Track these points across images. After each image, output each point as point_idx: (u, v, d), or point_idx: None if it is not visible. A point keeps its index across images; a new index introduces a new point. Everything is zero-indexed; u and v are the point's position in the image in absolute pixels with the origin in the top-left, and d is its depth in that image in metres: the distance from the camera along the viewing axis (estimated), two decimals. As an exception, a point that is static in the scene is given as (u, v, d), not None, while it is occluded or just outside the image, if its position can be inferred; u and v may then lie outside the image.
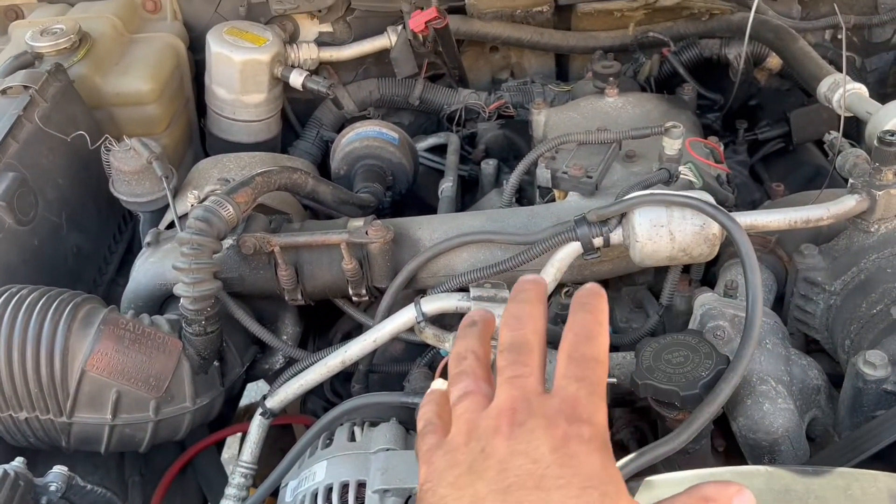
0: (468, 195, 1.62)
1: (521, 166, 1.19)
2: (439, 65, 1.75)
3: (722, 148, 1.31)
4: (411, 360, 1.16)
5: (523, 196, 1.43)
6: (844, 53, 1.19)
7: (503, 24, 1.67)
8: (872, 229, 0.97)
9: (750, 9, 1.47)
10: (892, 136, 0.93)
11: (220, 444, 1.39)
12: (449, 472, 0.49)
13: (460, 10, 1.67)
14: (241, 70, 1.51)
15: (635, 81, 1.67)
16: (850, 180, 0.98)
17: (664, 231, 0.93)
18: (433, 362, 1.13)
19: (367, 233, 1.04)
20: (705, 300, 0.97)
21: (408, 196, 1.53)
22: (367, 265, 1.07)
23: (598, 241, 0.96)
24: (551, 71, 1.87)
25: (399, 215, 1.53)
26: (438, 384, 0.60)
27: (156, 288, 1.12)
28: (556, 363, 0.51)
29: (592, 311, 0.52)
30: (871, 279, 0.95)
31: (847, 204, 0.95)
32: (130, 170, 1.23)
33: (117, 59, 1.48)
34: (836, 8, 1.53)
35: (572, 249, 0.98)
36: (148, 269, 1.14)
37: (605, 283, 1.17)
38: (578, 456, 0.46)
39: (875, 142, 0.94)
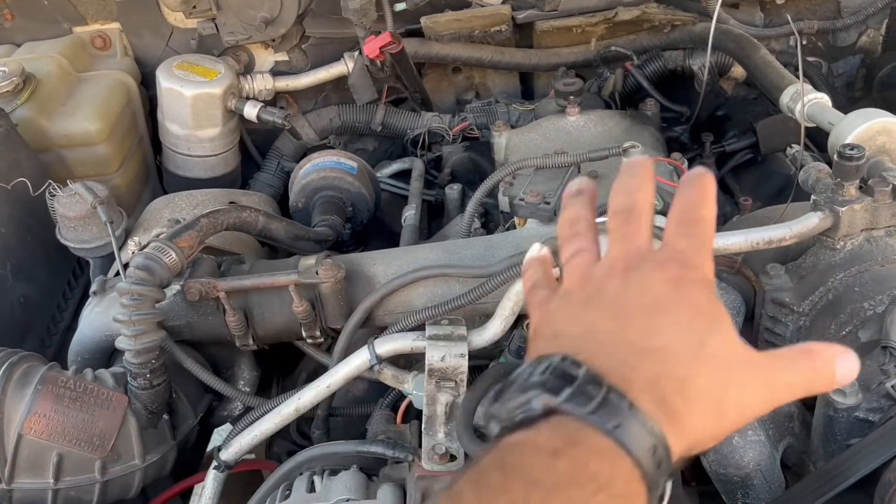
0: (435, 221, 1.59)
1: (479, 193, 1.16)
2: (401, 89, 1.72)
3: (686, 164, 1.27)
4: (374, 401, 1.12)
5: (490, 220, 1.39)
6: (801, 63, 1.16)
7: (462, 45, 1.64)
8: (838, 246, 0.94)
9: (711, 18, 1.45)
10: (852, 150, 0.90)
11: (187, 493, 1.34)
12: (563, 311, 0.51)
13: (418, 33, 1.64)
14: (192, 105, 1.47)
15: (599, 97, 1.65)
16: (813, 196, 0.94)
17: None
18: (396, 403, 1.08)
19: (317, 272, 1.00)
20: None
21: (372, 224, 1.49)
22: (320, 305, 1.03)
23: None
24: (516, 89, 1.84)
25: (363, 245, 1.49)
26: (536, 250, 0.61)
27: (102, 340, 1.07)
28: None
29: (698, 185, 0.52)
30: (838, 299, 0.92)
31: (810, 222, 0.91)
32: (76, 215, 1.19)
33: (64, 99, 1.44)
34: (790, 19, 1.50)
35: (529, 282, 0.93)
36: (94, 320, 1.09)
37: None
38: (690, 290, 0.47)
39: (835, 156, 0.91)
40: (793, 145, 1.04)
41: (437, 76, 1.81)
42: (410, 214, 1.41)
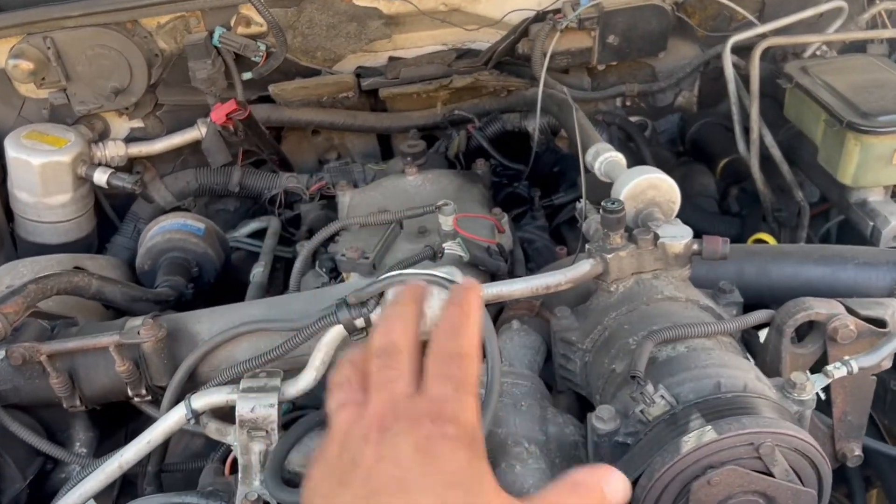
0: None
1: (305, 251, 1.23)
2: (259, 150, 1.80)
3: (505, 219, 1.39)
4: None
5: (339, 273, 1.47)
6: (577, 124, 1.30)
7: (314, 109, 1.74)
8: (612, 289, 1.05)
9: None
10: (613, 204, 1.02)
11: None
12: (322, 485, 0.49)
13: (272, 99, 1.72)
14: (40, 173, 1.51)
15: (446, 157, 1.77)
16: (587, 245, 1.06)
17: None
18: (227, 455, 1.13)
19: (139, 332, 1.05)
20: (466, 370, 1.02)
21: (222, 283, 1.54)
22: (144, 365, 1.07)
23: (359, 322, 1.00)
24: (375, 150, 1.95)
25: (215, 303, 1.54)
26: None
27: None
28: None
29: (460, 303, 0.52)
30: (612, 336, 1.03)
31: (582, 269, 1.03)
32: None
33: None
34: (561, 91, 1.66)
35: (337, 333, 1.01)
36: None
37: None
38: (442, 455, 0.45)
39: (602, 211, 1.03)
40: (579, 199, 1.16)
41: (297, 138, 1.90)
42: (258, 272, 1.48)
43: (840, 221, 1.55)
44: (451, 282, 0.96)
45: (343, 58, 1.74)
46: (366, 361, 0.53)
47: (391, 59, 1.83)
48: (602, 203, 1.03)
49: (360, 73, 1.74)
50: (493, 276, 1.25)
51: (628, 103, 1.85)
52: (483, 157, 1.69)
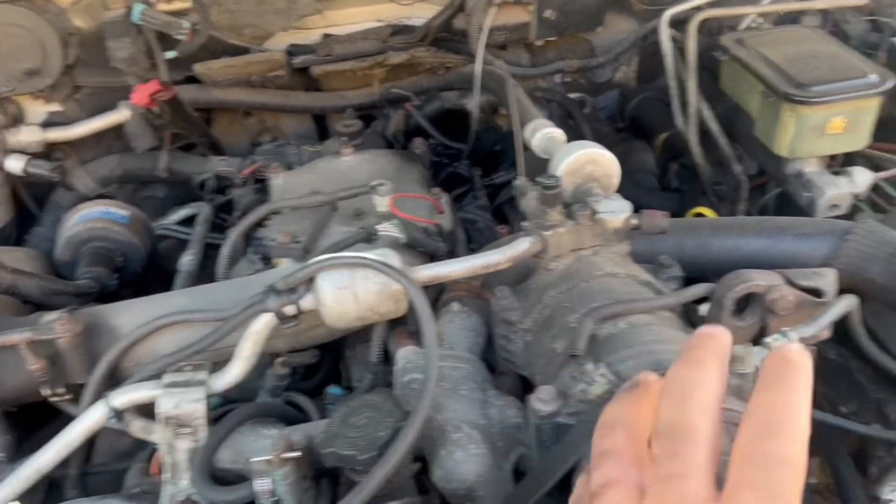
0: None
1: (232, 237, 1.17)
2: (188, 133, 1.72)
3: (444, 199, 1.36)
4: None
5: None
6: (516, 103, 1.27)
7: (244, 89, 1.67)
8: (551, 267, 1.03)
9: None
10: (550, 180, 0.99)
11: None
12: None
13: (198, 79, 1.65)
14: (-53, 161, 1.41)
15: (382, 137, 1.72)
16: (523, 223, 1.03)
17: (348, 293, 0.94)
18: (153, 454, 1.07)
19: (52, 328, 0.98)
20: (404, 354, 0.98)
21: (153, 273, 1.47)
22: (61, 362, 1.00)
23: (289, 310, 0.96)
24: (311, 131, 1.89)
25: (142, 295, 1.47)
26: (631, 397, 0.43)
27: None
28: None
29: (784, 388, 0.38)
30: (552, 315, 1.00)
31: (521, 246, 1.00)
32: None
33: None
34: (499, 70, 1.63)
35: (266, 321, 0.96)
36: None
37: (340, 341, 1.18)
38: None
39: (539, 187, 1.00)
40: (518, 177, 1.13)
41: (228, 120, 1.82)
42: (187, 261, 1.41)
43: (778, 193, 1.56)
44: (386, 265, 0.92)
45: (273, 35, 1.67)
46: (643, 429, 0.41)
47: (325, 36, 1.77)
48: (538, 179, 1.00)
49: (292, 50, 1.68)
50: (431, 258, 1.21)
51: (567, 79, 1.83)
52: (422, 137, 1.65)
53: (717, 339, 0.42)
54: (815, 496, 1.32)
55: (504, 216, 1.69)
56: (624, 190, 1.74)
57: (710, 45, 1.52)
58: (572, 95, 1.84)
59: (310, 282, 0.97)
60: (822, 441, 1.24)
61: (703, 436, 0.39)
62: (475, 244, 1.46)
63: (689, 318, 1.10)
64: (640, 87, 1.83)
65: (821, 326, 0.95)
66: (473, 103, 1.66)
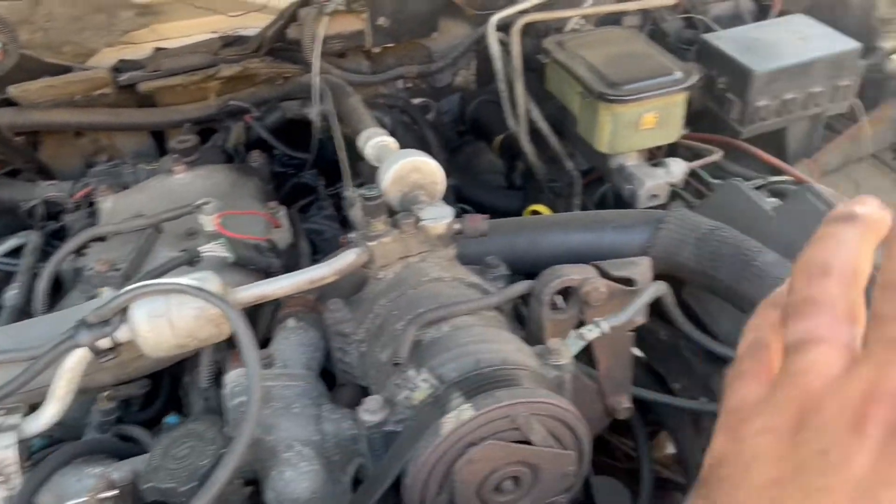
0: (56, 294, 1.50)
1: (48, 269, 1.12)
2: (10, 159, 1.62)
3: (282, 213, 1.34)
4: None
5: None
6: (351, 110, 1.27)
7: (67, 110, 1.58)
8: (380, 276, 1.04)
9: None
10: (371, 191, 1.00)
11: None
12: (760, 471, 0.31)
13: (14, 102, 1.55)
14: None
15: (223, 152, 1.68)
16: (349, 235, 1.04)
17: (164, 321, 0.91)
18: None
19: None
20: (233, 377, 0.97)
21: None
22: None
23: (104, 343, 0.92)
24: (151, 148, 1.81)
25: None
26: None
27: None
28: None
29: None
30: (383, 324, 1.01)
31: (347, 259, 1.00)
32: None
33: None
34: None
35: (79, 357, 0.92)
36: None
37: (178, 367, 1.14)
38: None
39: (361, 199, 1.01)
40: (350, 188, 1.14)
41: (57, 142, 1.72)
42: (12, 295, 1.32)
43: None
44: (200, 290, 0.90)
45: (97, 52, 1.60)
46: (862, 276, 0.34)
47: (157, 50, 1.72)
48: (359, 192, 1.01)
49: (120, 67, 1.61)
50: (267, 275, 1.20)
51: (409, 85, 1.85)
52: (260, 149, 1.62)
53: (880, 212, 0.34)
54: (660, 468, 1.41)
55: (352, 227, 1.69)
56: (471, 191, 1.80)
57: (536, 48, 1.58)
58: (416, 101, 1.86)
59: (124, 312, 0.93)
60: (662, 418, 1.32)
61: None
62: (321, 255, 1.45)
63: (521, 316, 1.14)
64: (479, 90, 1.88)
65: (631, 313, 1.01)
66: (314, 112, 1.65)
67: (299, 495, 0.89)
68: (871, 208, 0.35)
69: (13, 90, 1.49)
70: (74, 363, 0.92)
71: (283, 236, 1.28)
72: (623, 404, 1.13)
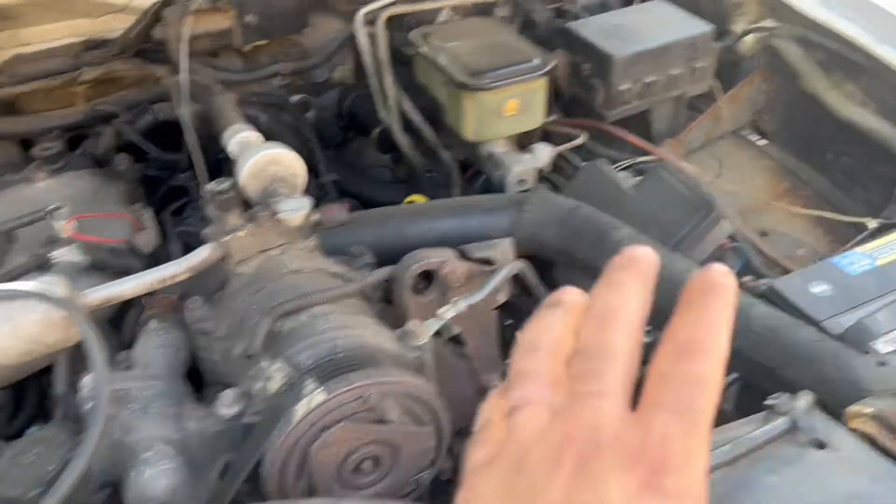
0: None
1: None
2: None
3: (147, 215, 1.32)
4: None
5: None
6: (185, 104, 1.26)
7: (-79, 122, 1.51)
8: (239, 271, 1.04)
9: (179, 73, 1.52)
10: (221, 185, 1.00)
11: None
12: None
13: None
14: None
15: (93, 158, 1.63)
16: (204, 230, 1.03)
17: (7, 327, 0.89)
18: None
19: None
20: (86, 381, 0.95)
21: None
22: None
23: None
24: (18, 158, 1.74)
25: None
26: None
27: None
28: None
29: (705, 308, 0.38)
30: (243, 319, 1.01)
31: (200, 255, 1.00)
32: None
33: None
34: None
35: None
36: None
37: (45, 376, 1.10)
38: None
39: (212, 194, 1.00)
40: (202, 185, 1.12)
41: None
42: None
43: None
44: (42, 294, 0.88)
45: (-50, 60, 1.53)
46: (564, 350, 0.40)
47: (17, 56, 1.65)
48: (208, 186, 1.00)
49: (-29, 75, 1.54)
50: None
51: (286, 82, 1.83)
52: (133, 153, 1.58)
53: (640, 259, 0.41)
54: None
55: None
56: (357, 185, 1.80)
57: (404, 41, 1.60)
58: (295, 98, 1.85)
59: (-36, 323, 0.90)
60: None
61: (621, 357, 0.38)
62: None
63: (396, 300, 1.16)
64: (357, 84, 1.88)
65: (488, 291, 1.04)
66: (183, 113, 1.63)
67: (158, 493, 0.88)
68: (572, 296, 0.42)
69: None
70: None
71: (148, 239, 1.25)
72: (493, 381, 1.16)
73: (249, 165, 1.11)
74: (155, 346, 1.06)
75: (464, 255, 1.09)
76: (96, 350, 0.85)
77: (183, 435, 0.94)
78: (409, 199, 1.54)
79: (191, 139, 1.23)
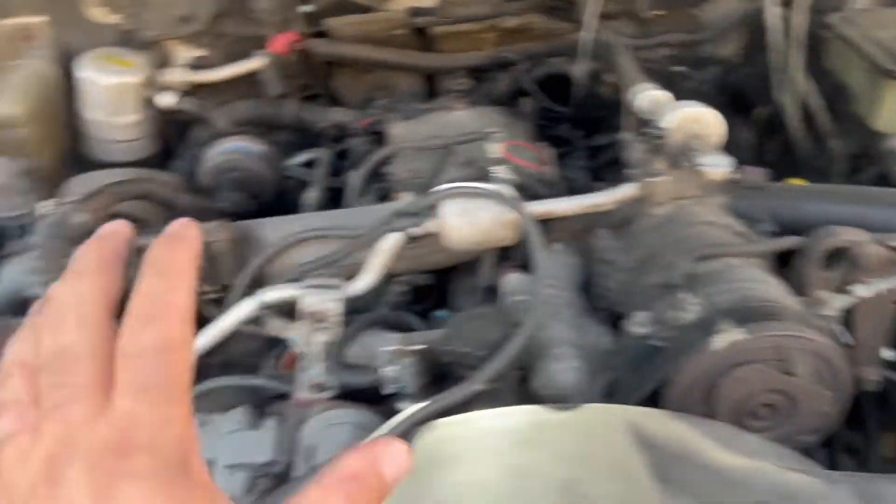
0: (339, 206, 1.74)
1: (363, 171, 1.31)
2: (312, 85, 1.87)
3: (549, 153, 1.46)
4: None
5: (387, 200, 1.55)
6: (623, 67, 1.35)
7: (367, 46, 1.80)
8: (652, 212, 1.12)
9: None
10: (658, 130, 1.08)
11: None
12: None
13: (326, 35, 1.79)
14: (107, 93, 1.60)
15: (489, 98, 1.83)
16: (629, 171, 1.13)
17: (467, 219, 1.06)
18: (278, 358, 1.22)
19: (211, 232, 1.14)
20: (511, 278, 1.10)
21: (279, 207, 1.63)
22: (215, 264, 1.16)
23: (415, 231, 1.09)
24: (421, 91, 2.01)
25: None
26: None
27: (13, 294, 1.19)
28: None
29: (162, 271, 0.38)
30: (651, 257, 1.10)
31: (626, 191, 1.10)
32: (-4, 185, 1.30)
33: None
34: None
35: (395, 239, 1.09)
36: (10, 277, 1.21)
37: (448, 274, 1.30)
38: (131, 502, 0.33)
39: (645, 137, 1.10)
40: (624, 133, 1.23)
41: (347, 75, 1.96)
42: (311, 196, 1.56)
43: (879, 174, 1.59)
44: (502, 196, 1.04)
45: (393, -1, 1.80)
46: (37, 368, 0.39)
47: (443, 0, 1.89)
48: (644, 130, 1.10)
49: (416, 11, 1.80)
50: (537, 203, 1.32)
51: (674, 52, 1.89)
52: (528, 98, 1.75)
53: (101, 241, 0.40)
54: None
55: (602, 178, 1.78)
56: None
57: (816, 24, 1.56)
58: (675, 69, 1.90)
59: (432, 209, 1.09)
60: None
61: (83, 354, 0.37)
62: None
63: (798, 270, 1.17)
64: (745, 63, 1.87)
65: (907, 281, 1.02)
66: (580, 69, 1.75)
67: (564, 386, 1.00)
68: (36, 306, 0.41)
69: (329, 22, 1.72)
70: (390, 244, 1.09)
71: (552, 173, 1.39)
72: (871, 376, 1.13)
73: (675, 119, 1.18)
74: (560, 264, 1.20)
75: (878, 242, 1.07)
76: (540, 249, 0.99)
77: (581, 343, 1.06)
78: (789, 181, 1.52)
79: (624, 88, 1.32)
